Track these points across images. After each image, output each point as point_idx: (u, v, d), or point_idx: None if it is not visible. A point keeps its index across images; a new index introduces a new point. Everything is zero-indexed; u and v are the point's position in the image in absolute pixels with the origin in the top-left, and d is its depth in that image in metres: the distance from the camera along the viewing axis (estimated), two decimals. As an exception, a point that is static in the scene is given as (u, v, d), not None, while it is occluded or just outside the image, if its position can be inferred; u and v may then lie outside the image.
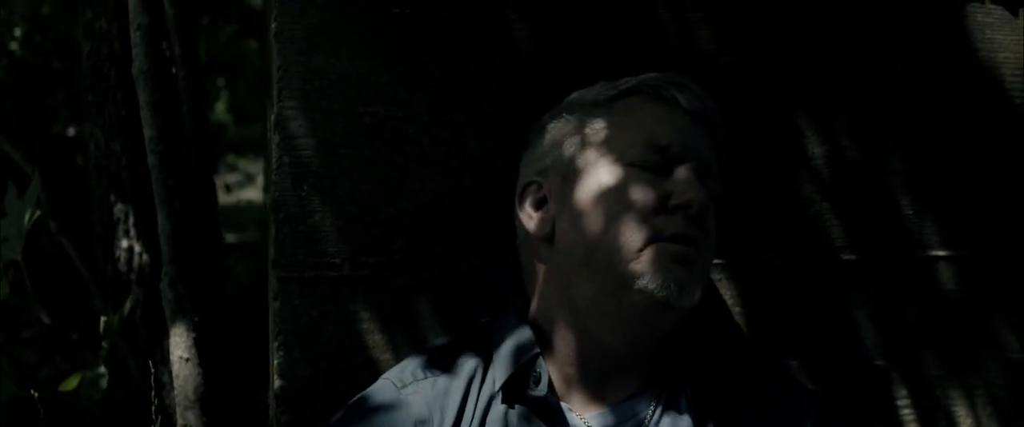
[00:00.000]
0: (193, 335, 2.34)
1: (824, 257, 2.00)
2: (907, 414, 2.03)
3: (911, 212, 2.04)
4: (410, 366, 1.67)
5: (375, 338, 1.86)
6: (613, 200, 1.59)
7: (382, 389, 1.65)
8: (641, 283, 1.57)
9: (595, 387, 1.61)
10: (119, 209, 3.43)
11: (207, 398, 2.34)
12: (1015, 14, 2.08)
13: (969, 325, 2.05)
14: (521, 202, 1.71)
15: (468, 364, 1.64)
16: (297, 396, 1.85)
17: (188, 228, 2.35)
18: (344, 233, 1.86)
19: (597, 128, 1.64)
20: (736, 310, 1.97)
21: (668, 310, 1.57)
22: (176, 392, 2.35)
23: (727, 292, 1.96)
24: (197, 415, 2.33)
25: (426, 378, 1.64)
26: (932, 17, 2.04)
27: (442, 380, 1.62)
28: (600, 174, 1.61)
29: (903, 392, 2.03)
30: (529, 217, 1.70)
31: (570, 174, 1.65)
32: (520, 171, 1.77)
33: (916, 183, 2.03)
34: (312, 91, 1.86)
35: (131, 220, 3.37)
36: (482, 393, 1.59)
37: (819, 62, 2.00)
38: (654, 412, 1.60)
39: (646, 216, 1.58)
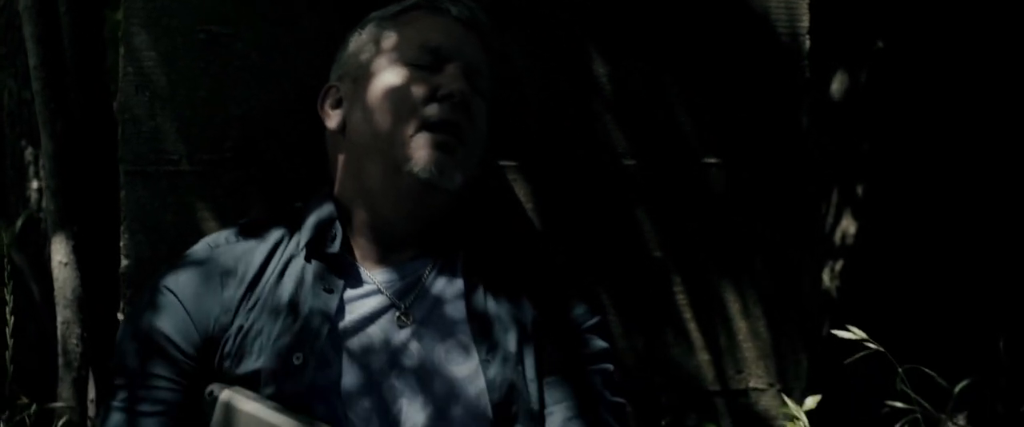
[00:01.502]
0: (72, 243, 2.63)
1: (608, 162, 2.30)
2: (681, 300, 2.33)
3: (685, 124, 2.34)
4: (226, 232, 1.96)
5: (209, 226, 2.15)
6: (392, 95, 1.88)
7: (197, 249, 1.93)
8: (409, 166, 1.86)
9: (383, 252, 1.90)
10: (29, 153, 3.72)
11: (84, 299, 2.62)
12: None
13: (738, 224, 2.35)
14: (322, 103, 2.00)
15: (276, 232, 1.92)
16: (141, 275, 2.14)
17: (71, 147, 2.63)
18: (182, 134, 2.16)
19: (385, 37, 1.94)
20: (528, 207, 2.27)
21: (434, 190, 1.86)
22: (55, 293, 2.63)
23: (520, 190, 2.26)
24: (74, 313, 2.62)
25: (237, 242, 1.92)
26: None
27: (251, 242, 1.91)
28: (384, 74, 1.90)
29: (678, 280, 2.33)
30: (328, 115, 1.99)
31: (361, 77, 1.94)
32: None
33: (691, 98, 2.33)
34: (154, 11, 2.16)
35: (41, 163, 3.65)
36: (286, 252, 1.87)
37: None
38: (431, 272, 1.88)
39: (416, 107, 1.87)
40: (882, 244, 3.03)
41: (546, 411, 1.77)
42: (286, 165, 2.16)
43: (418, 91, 1.88)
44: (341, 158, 1.96)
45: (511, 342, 1.85)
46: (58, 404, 2.50)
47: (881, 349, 1.99)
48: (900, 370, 1.99)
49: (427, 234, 1.92)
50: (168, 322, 1.84)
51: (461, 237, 1.94)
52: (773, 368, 2.39)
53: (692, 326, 2.35)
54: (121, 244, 2.16)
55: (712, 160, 2.35)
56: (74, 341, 2.60)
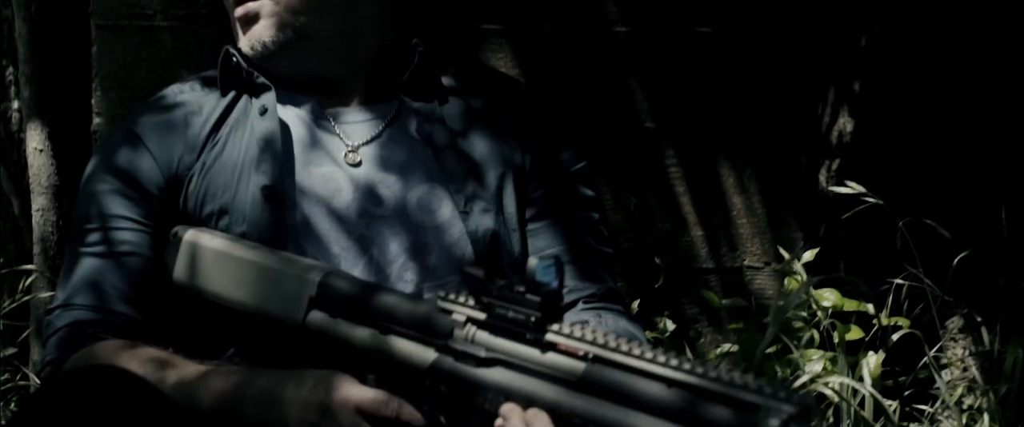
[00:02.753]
0: (48, 130, 2.56)
1: (598, 29, 2.23)
2: (674, 172, 2.26)
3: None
4: (193, 79, 1.89)
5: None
6: None
7: (164, 92, 1.86)
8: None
9: (337, 97, 1.80)
10: (10, 73, 3.64)
11: (60, 186, 2.55)
12: None
13: (733, 96, 2.28)
14: None
15: (241, 79, 1.84)
16: (111, 130, 2.06)
17: (46, 32, 2.56)
18: (156, -13, 2.09)
19: None
20: (515, 73, 2.19)
21: (285, 53, 1.75)
22: (30, 180, 2.56)
23: (505, 58, 2.19)
24: (49, 200, 2.55)
25: (205, 87, 1.85)
26: None
27: (216, 84, 1.83)
28: None
29: (670, 153, 2.26)
30: None
31: None
32: None
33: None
34: None
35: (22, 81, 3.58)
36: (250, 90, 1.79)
37: None
38: (390, 116, 1.79)
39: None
40: (880, 143, 2.96)
41: (529, 258, 1.69)
42: (264, 21, 2.09)
43: None
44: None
45: (491, 189, 1.77)
46: (29, 267, 2.44)
47: (880, 202, 1.92)
48: (900, 224, 1.92)
49: (371, 84, 1.81)
50: (133, 164, 1.76)
51: (422, 87, 1.83)
52: (769, 246, 2.31)
53: (684, 200, 2.27)
54: (92, 101, 2.09)
55: (706, 29, 2.28)
56: (49, 229, 2.53)
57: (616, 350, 1.23)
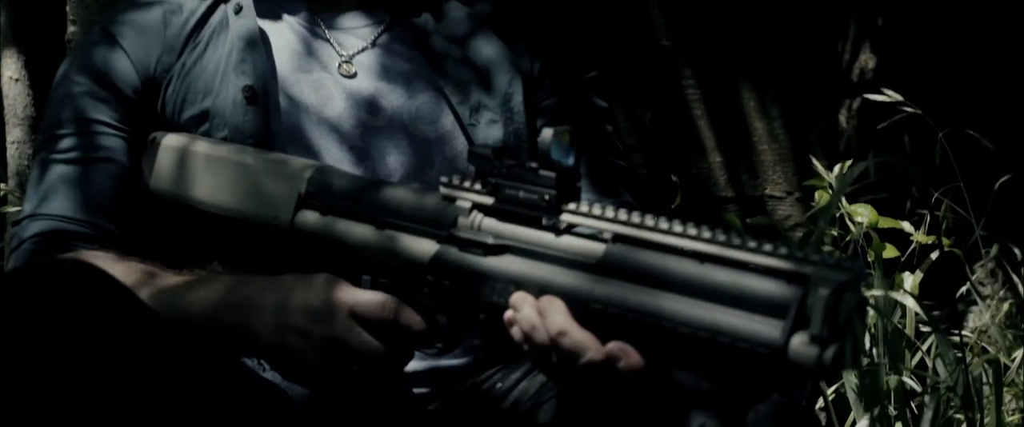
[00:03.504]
0: (24, 58, 2.43)
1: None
2: (692, 94, 2.12)
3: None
4: None
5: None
6: None
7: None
8: None
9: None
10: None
11: (36, 118, 2.42)
12: None
13: (756, 11, 2.14)
14: None
15: None
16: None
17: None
18: None
19: None
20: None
21: None
22: (5, 111, 2.43)
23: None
24: (25, 132, 2.42)
25: None
26: None
27: None
28: None
29: (688, 73, 2.12)
30: None
31: None
32: None
33: None
34: None
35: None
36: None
37: None
38: (383, 24, 1.66)
39: None
40: (902, 82, 2.84)
41: (543, 130, 1.54)
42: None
43: None
44: None
45: (499, 97, 1.63)
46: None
47: (919, 111, 1.78)
48: (941, 135, 1.78)
49: None
50: (108, 64, 1.63)
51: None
52: (792, 175, 2.17)
53: (702, 124, 2.13)
54: (67, 7, 1.96)
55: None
56: (24, 162, 2.40)
57: (640, 226, 1.09)
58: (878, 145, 2.01)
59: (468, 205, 1.24)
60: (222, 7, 1.67)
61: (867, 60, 2.84)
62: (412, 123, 1.62)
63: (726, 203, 2.13)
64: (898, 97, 1.78)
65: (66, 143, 1.61)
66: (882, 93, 1.80)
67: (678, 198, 2.01)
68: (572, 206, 1.16)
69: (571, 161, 1.19)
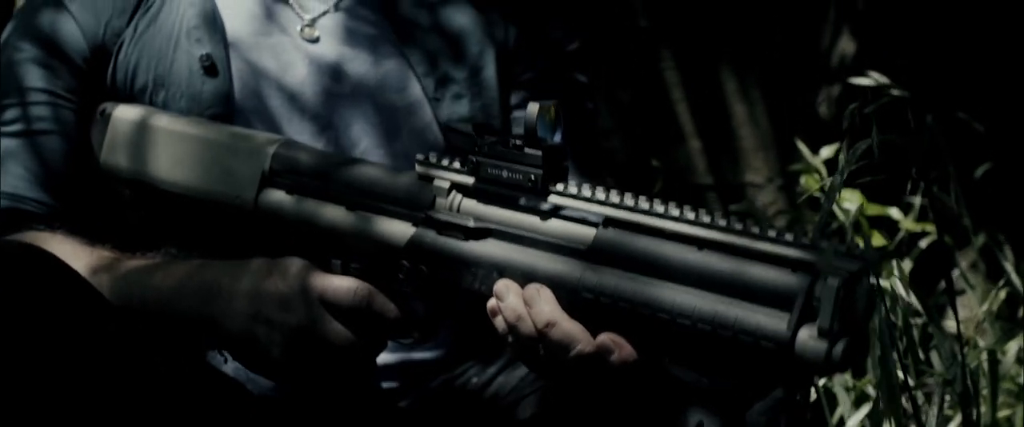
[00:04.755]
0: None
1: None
2: (671, 76, 2.06)
3: None
4: None
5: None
6: None
7: None
8: None
9: None
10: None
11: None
12: None
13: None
14: None
15: None
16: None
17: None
18: None
19: None
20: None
21: None
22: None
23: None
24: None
25: None
26: None
27: None
28: None
29: (667, 54, 2.05)
30: None
31: None
32: None
33: None
34: None
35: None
36: None
37: None
38: None
39: None
40: (884, 67, 2.78)
41: (529, 104, 1.45)
42: None
43: None
44: None
45: (467, 69, 1.54)
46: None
47: (906, 94, 1.71)
48: (929, 117, 1.70)
49: None
50: (53, 29, 1.54)
51: None
52: (773, 161, 2.10)
53: (682, 108, 2.06)
54: None
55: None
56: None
57: (634, 209, 1.01)
58: (860, 131, 1.95)
59: (446, 185, 1.16)
60: None
61: (847, 45, 2.79)
62: (378, 90, 1.53)
63: (706, 190, 2.06)
64: (884, 80, 1.72)
65: (10, 114, 1.51)
66: (867, 76, 1.73)
67: (659, 184, 1.95)
68: (560, 187, 1.08)
69: (558, 138, 1.12)
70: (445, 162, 1.16)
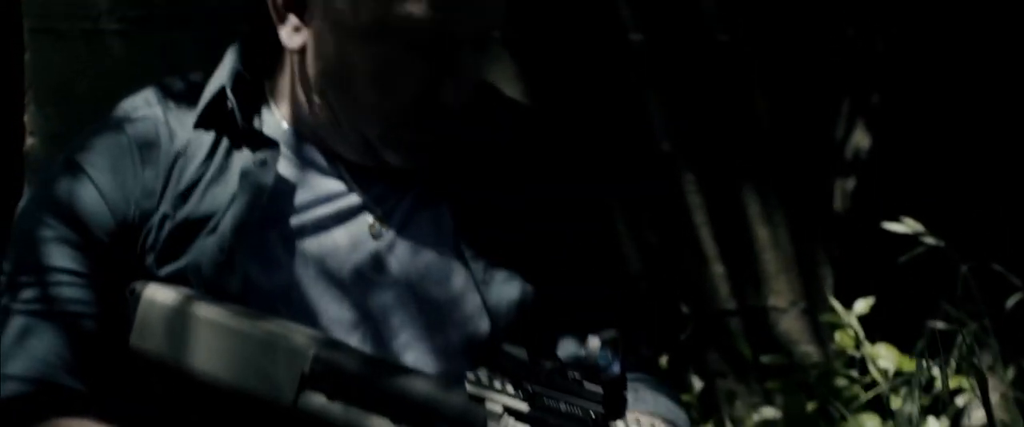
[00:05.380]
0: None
1: (611, 37, 1.99)
2: (694, 200, 2.02)
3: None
4: (151, 90, 1.59)
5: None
6: (383, 79, 1.42)
7: (118, 112, 1.56)
8: (383, 153, 1.47)
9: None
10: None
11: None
12: None
13: (758, 113, 2.06)
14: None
15: (233, 127, 1.53)
16: (50, 154, 1.78)
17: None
18: (102, -17, 1.80)
19: None
20: (518, 86, 1.95)
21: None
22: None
23: (506, 71, 1.94)
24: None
25: (167, 103, 1.56)
26: None
27: (180, 108, 1.54)
28: (374, 44, 1.43)
29: (690, 177, 2.02)
30: (280, 15, 1.49)
31: (339, 22, 1.45)
32: None
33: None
34: None
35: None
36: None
37: None
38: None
39: (406, 108, 1.45)
40: (900, 162, 2.75)
41: (589, 339, 1.41)
42: (230, 23, 1.80)
43: (412, 82, 1.44)
44: (292, 70, 1.52)
45: (517, 251, 1.51)
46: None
47: (941, 244, 1.68)
48: (964, 268, 1.68)
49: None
50: (76, 202, 1.47)
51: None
52: (796, 284, 2.07)
53: (705, 232, 2.03)
54: (25, 118, 1.81)
55: (727, 37, 2.04)
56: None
57: None
58: (892, 278, 1.93)
59: (499, 409, 1.12)
60: (223, 146, 1.50)
61: (861, 139, 2.76)
62: (421, 281, 1.48)
63: (729, 316, 2.03)
64: (919, 227, 1.68)
65: (29, 292, 1.45)
66: (901, 222, 1.70)
67: (689, 329, 1.91)
68: (620, 425, 1.05)
69: (617, 369, 1.08)
70: (498, 385, 1.12)
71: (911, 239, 1.73)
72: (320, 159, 1.52)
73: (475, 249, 1.50)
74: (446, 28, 1.42)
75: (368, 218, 1.51)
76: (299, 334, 1.29)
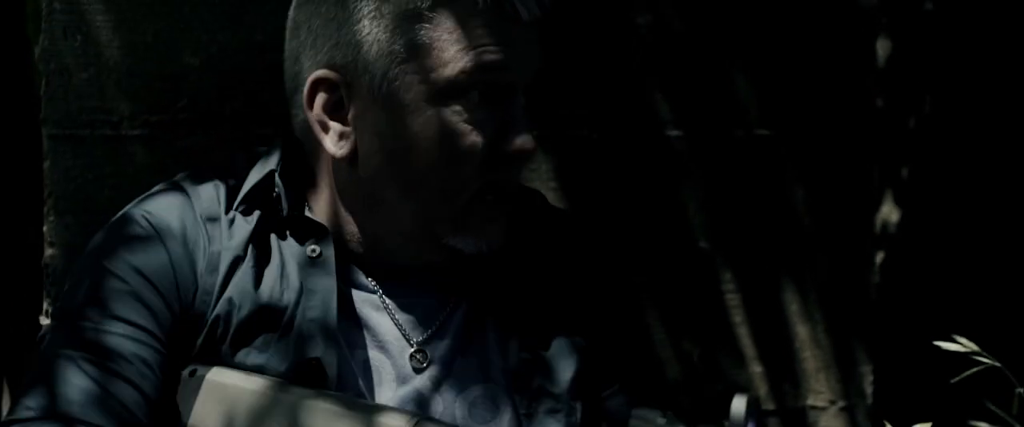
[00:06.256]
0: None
1: (648, 133, 1.92)
2: (732, 299, 1.96)
3: (738, 90, 1.97)
4: (186, 179, 1.52)
5: (158, 205, 1.72)
6: (450, 139, 1.39)
7: (174, 188, 1.50)
8: (454, 240, 1.42)
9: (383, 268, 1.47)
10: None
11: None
12: None
13: (797, 209, 1.99)
14: (312, 100, 1.41)
15: (276, 215, 1.47)
16: (70, 265, 1.71)
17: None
18: (123, 88, 1.73)
19: (424, 30, 1.36)
20: (551, 187, 1.88)
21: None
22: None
23: (539, 168, 1.87)
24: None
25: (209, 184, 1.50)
26: None
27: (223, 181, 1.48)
28: (432, 101, 1.38)
29: (727, 275, 1.95)
30: (325, 127, 1.44)
31: (391, 87, 1.39)
32: (298, 42, 1.44)
33: (744, 59, 1.96)
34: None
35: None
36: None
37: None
38: (452, 304, 1.47)
39: (479, 165, 1.40)
40: (930, 236, 2.69)
41: (735, 398, 1.41)
42: (255, 127, 1.74)
43: (483, 135, 1.40)
44: (335, 182, 1.47)
45: (562, 383, 1.46)
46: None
47: (997, 364, 1.61)
48: (1020, 389, 1.61)
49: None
50: (152, 261, 1.40)
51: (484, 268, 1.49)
52: (834, 382, 2.01)
53: (743, 331, 1.96)
54: (45, 228, 1.74)
55: (767, 132, 1.97)
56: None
57: None
58: (945, 397, 1.86)
59: None
60: (275, 242, 1.43)
61: (890, 212, 2.70)
62: (464, 416, 1.43)
63: (767, 416, 1.97)
64: (973, 346, 1.62)
65: (89, 336, 1.36)
66: (955, 341, 1.63)
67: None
68: None
69: None
70: None
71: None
72: (361, 277, 1.46)
73: (519, 379, 1.44)
74: (512, 75, 1.39)
75: (407, 347, 1.45)
76: (388, 411, 1.29)
